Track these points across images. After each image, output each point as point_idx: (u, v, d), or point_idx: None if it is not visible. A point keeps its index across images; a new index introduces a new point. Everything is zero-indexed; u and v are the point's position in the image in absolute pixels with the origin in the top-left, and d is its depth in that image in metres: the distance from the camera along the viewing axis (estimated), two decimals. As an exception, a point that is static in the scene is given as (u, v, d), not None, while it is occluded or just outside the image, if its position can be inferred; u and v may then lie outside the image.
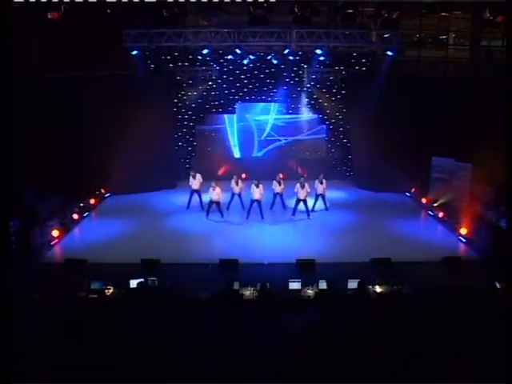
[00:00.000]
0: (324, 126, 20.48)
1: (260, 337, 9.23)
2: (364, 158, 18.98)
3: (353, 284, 9.80)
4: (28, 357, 6.53)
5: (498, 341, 6.72)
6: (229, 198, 16.29)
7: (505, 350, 5.86)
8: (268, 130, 20.37)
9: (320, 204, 16.27)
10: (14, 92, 12.19)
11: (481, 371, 5.80)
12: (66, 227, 14.69)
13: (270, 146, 20.47)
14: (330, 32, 16.36)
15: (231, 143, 20.30)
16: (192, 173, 16.30)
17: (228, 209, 16.27)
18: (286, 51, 17.21)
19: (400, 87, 17.04)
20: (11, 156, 8.19)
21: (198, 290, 10.08)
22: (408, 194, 18.42)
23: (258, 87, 19.65)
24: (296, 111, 20.29)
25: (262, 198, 15.59)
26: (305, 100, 20.10)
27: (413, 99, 16.77)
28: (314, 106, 20.22)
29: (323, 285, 9.69)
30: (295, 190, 15.56)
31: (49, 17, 13.14)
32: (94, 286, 10.06)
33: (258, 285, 9.87)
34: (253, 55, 18.08)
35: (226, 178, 16.78)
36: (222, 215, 15.60)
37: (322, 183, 15.99)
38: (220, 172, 19.34)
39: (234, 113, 20.06)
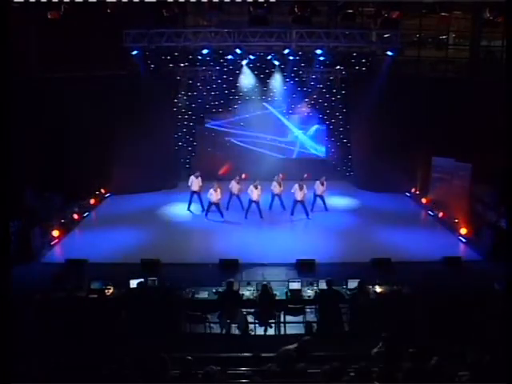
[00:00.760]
0: (324, 126, 20.47)
1: (259, 337, 9.26)
2: (364, 158, 18.97)
3: (353, 284, 9.79)
4: (28, 357, 6.53)
5: (497, 341, 6.72)
6: (228, 198, 16.29)
7: (505, 350, 5.85)
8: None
9: (320, 204, 16.24)
10: (14, 92, 12.20)
11: (481, 371, 5.79)
12: (66, 227, 14.69)
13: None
14: (330, 32, 16.36)
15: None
16: (192, 174, 16.28)
17: (227, 209, 16.28)
18: (286, 51, 17.21)
19: (400, 87, 17.03)
20: (11, 156, 8.17)
21: (197, 290, 10.08)
22: (408, 194, 18.41)
23: (257, 87, 19.63)
24: (296, 111, 20.27)
25: (260, 199, 15.60)
26: (305, 100, 20.08)
27: (413, 99, 16.77)
28: (314, 106, 20.20)
29: (323, 285, 9.68)
30: (292, 191, 15.56)
31: (49, 17, 13.14)
32: (94, 285, 10.05)
33: (258, 285, 9.87)
34: (253, 55, 18.08)
35: (227, 178, 16.75)
36: (222, 215, 15.60)
37: (322, 185, 15.99)
38: (220, 172, 19.32)
39: (234, 113, 20.05)
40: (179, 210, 16.65)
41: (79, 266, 11.88)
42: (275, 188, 16.00)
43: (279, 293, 9.89)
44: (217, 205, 15.50)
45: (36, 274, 11.49)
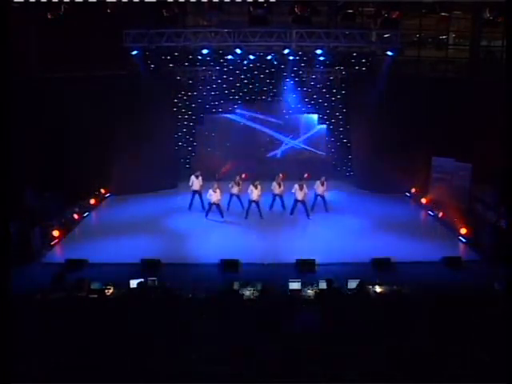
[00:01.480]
0: (324, 126, 20.47)
1: (260, 337, 9.25)
2: (364, 158, 18.97)
3: (353, 284, 9.79)
4: (28, 357, 6.53)
5: (497, 341, 6.72)
6: (228, 198, 16.29)
7: (505, 350, 5.86)
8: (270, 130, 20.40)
9: (320, 204, 16.24)
10: (14, 92, 12.21)
11: (481, 371, 5.80)
12: (66, 227, 14.68)
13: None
14: (330, 32, 16.36)
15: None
16: (193, 174, 16.27)
17: (228, 209, 16.28)
18: (286, 51, 17.21)
19: (400, 87, 17.03)
20: (11, 156, 8.19)
21: (198, 290, 10.07)
22: (408, 194, 18.41)
23: (257, 87, 19.65)
24: (296, 111, 20.28)
25: (260, 199, 15.59)
26: (305, 100, 20.08)
27: (413, 99, 16.77)
28: (314, 106, 20.21)
29: (323, 285, 9.69)
30: (293, 191, 15.55)
31: (49, 17, 13.14)
32: (94, 286, 10.06)
33: (258, 285, 9.87)
34: (253, 55, 18.08)
35: (227, 178, 16.74)
36: (222, 215, 15.61)
37: (322, 185, 15.97)
38: (220, 172, 19.30)
39: (234, 113, 20.06)
40: (179, 209, 16.64)
41: (79, 266, 11.89)
42: (275, 188, 16.00)
43: (279, 293, 9.88)
44: (217, 205, 15.51)
45: (36, 273, 11.49)
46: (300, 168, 17.69)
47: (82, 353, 6.86)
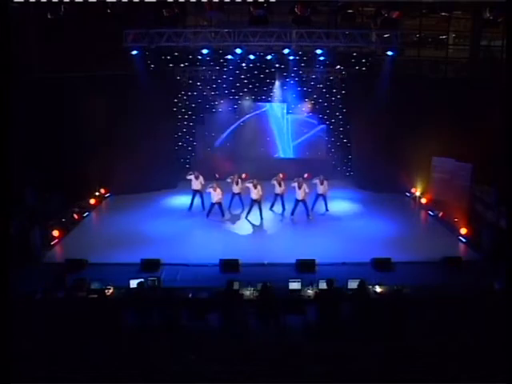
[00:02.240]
0: (324, 126, 20.48)
1: (260, 337, 9.25)
2: (364, 158, 18.96)
3: (353, 284, 9.79)
4: (28, 357, 6.53)
5: (497, 340, 6.73)
6: (229, 198, 16.28)
7: (505, 350, 5.86)
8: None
9: (320, 204, 16.23)
10: (13, 92, 12.22)
11: (481, 371, 5.80)
12: (66, 227, 14.68)
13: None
14: (330, 32, 16.36)
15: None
16: (193, 173, 16.27)
17: (229, 208, 16.28)
18: (286, 51, 17.21)
19: (400, 87, 17.03)
20: (11, 156, 8.19)
21: (198, 290, 10.08)
22: (408, 194, 18.41)
23: (258, 87, 19.65)
24: (296, 111, 20.28)
25: (262, 198, 15.59)
26: (305, 100, 20.08)
27: (413, 99, 16.77)
28: (313, 106, 20.21)
29: (323, 285, 9.68)
30: (293, 185, 15.52)
31: (49, 17, 13.13)
32: (94, 285, 10.06)
33: (258, 285, 9.87)
34: (253, 55, 18.08)
35: (226, 178, 16.73)
36: (223, 215, 15.60)
37: (322, 184, 15.96)
38: (220, 173, 19.29)
39: (234, 113, 20.05)
40: (179, 209, 16.64)
41: (79, 266, 11.89)
42: (276, 188, 15.99)
43: (279, 293, 9.89)
44: (219, 204, 15.48)
45: (36, 274, 11.48)
46: (300, 168, 17.68)
47: (82, 353, 6.87)
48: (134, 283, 9.73)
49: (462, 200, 16.07)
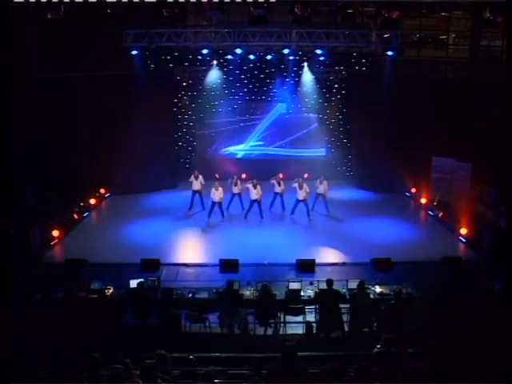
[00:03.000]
0: (324, 126, 20.46)
1: (260, 337, 9.25)
2: (364, 158, 18.97)
3: (353, 284, 9.79)
4: (28, 357, 6.53)
5: (497, 340, 6.72)
6: (229, 198, 16.29)
7: (505, 350, 5.86)
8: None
9: (320, 204, 16.22)
10: (13, 92, 12.21)
11: (481, 371, 5.79)
12: (66, 227, 14.68)
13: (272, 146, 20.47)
14: (330, 32, 16.37)
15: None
16: (193, 173, 16.26)
17: (228, 209, 16.29)
18: (286, 51, 17.21)
19: (400, 87, 17.03)
20: (11, 156, 8.17)
21: (198, 290, 10.08)
22: (408, 194, 18.41)
23: (258, 87, 19.64)
24: (296, 111, 20.28)
25: (261, 198, 15.59)
26: (305, 100, 20.08)
27: (413, 99, 16.78)
28: (313, 106, 20.21)
29: (323, 285, 9.68)
30: (293, 186, 15.52)
31: (49, 17, 13.12)
32: (94, 285, 10.05)
33: (258, 285, 9.87)
34: (253, 55, 18.08)
35: (227, 178, 16.74)
36: (223, 215, 15.60)
37: (321, 183, 15.95)
38: (220, 172, 19.30)
39: (233, 113, 20.05)
40: (179, 209, 16.64)
41: (79, 266, 11.87)
42: (275, 187, 15.99)
43: (279, 293, 9.89)
44: (219, 204, 15.46)
45: (36, 274, 11.48)
46: (300, 168, 17.68)
47: (82, 352, 6.86)
48: (133, 283, 9.72)
49: (461, 200, 16.08)
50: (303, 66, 19.07)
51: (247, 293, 9.98)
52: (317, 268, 11.93)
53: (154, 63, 17.74)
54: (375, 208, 16.91)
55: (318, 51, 17.20)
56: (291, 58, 18.04)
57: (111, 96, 16.38)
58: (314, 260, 12.11)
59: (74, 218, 15.43)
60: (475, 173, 16.07)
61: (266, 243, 13.86)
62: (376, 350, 6.70)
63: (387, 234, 14.50)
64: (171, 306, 9.53)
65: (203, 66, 19.02)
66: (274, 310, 9.51)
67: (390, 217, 15.99)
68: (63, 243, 13.96)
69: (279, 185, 15.95)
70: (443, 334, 8.13)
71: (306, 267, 11.83)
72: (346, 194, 18.59)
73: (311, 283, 10.31)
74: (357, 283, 9.58)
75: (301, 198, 15.49)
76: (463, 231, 14.12)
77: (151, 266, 11.82)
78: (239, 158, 20.21)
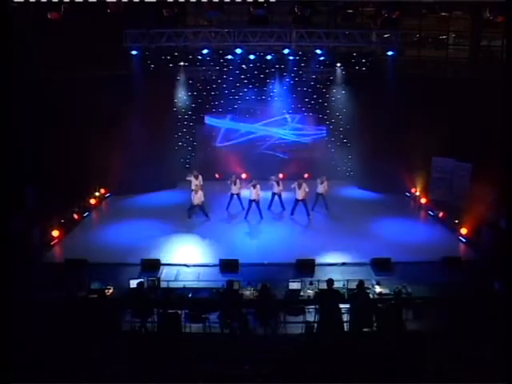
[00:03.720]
0: (324, 126, 20.48)
1: (260, 337, 9.25)
2: (364, 158, 18.98)
3: (353, 284, 9.79)
4: (28, 357, 6.53)
5: (497, 340, 6.72)
6: (229, 198, 16.30)
7: (505, 350, 5.86)
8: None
9: (321, 204, 16.22)
10: (13, 92, 12.21)
11: (481, 371, 5.80)
12: (66, 227, 14.68)
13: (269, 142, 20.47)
14: (330, 32, 16.38)
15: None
16: (193, 173, 16.23)
17: (227, 209, 16.30)
18: (286, 51, 17.21)
19: (400, 87, 17.04)
20: (12, 156, 8.19)
21: (198, 290, 10.08)
22: (408, 194, 18.41)
23: (258, 87, 19.64)
24: (296, 111, 20.28)
25: (260, 198, 15.59)
26: (305, 100, 20.08)
27: (413, 99, 16.78)
28: (313, 106, 20.21)
29: (323, 285, 9.68)
30: (292, 186, 15.53)
31: (49, 17, 13.12)
32: (94, 286, 10.06)
33: (258, 285, 9.87)
34: (253, 55, 18.08)
35: (227, 178, 16.73)
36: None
37: (322, 183, 15.96)
38: (220, 172, 19.31)
39: (233, 113, 20.05)
40: (179, 209, 16.63)
41: (79, 266, 11.89)
42: (274, 187, 15.99)
43: (279, 293, 9.89)
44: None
45: (36, 274, 11.48)
46: (300, 168, 17.69)
47: (82, 352, 6.87)
48: (133, 283, 9.72)
49: (461, 200, 16.08)
50: (303, 66, 19.08)
51: (247, 293, 9.98)
52: (317, 268, 11.94)
53: (153, 63, 17.74)
54: (375, 208, 16.91)
55: (318, 51, 17.20)
56: (291, 58, 18.03)
57: (111, 96, 16.34)
58: (313, 260, 12.12)
59: (73, 218, 15.43)
60: (475, 173, 16.06)
61: (266, 243, 13.86)
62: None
63: (387, 233, 14.50)
64: (171, 306, 9.53)
65: (203, 66, 19.03)
66: (274, 310, 9.51)
67: (390, 217, 16.00)
68: (63, 243, 13.95)
69: (278, 184, 15.95)
70: (443, 334, 8.14)
71: (306, 267, 11.84)
72: (345, 193, 18.60)
73: (311, 283, 10.32)
74: (357, 283, 9.58)
75: (300, 197, 15.49)
76: (463, 231, 14.13)
77: (151, 266, 11.83)
78: (239, 158, 20.16)
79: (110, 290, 10.11)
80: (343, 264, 12.26)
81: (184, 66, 18.71)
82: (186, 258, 12.74)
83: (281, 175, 16.20)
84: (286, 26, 15.78)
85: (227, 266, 11.91)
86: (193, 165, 19.32)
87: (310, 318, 9.60)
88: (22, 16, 14.61)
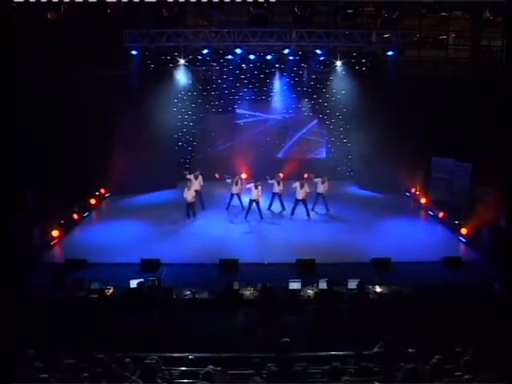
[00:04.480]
0: (323, 126, 20.47)
1: (260, 336, 9.25)
2: (364, 158, 18.96)
3: (353, 284, 9.79)
4: (28, 357, 6.53)
5: (497, 340, 6.72)
6: (229, 198, 16.29)
7: (505, 350, 5.85)
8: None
9: (321, 204, 16.21)
10: (13, 92, 12.21)
11: (480, 371, 5.79)
12: (66, 227, 14.69)
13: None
14: (330, 32, 16.39)
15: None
16: (194, 173, 16.22)
17: (227, 209, 16.30)
18: (286, 51, 17.21)
19: (400, 87, 17.03)
20: (12, 156, 8.18)
21: (198, 290, 10.08)
22: (408, 194, 18.41)
23: (258, 87, 19.64)
24: (296, 111, 20.28)
25: (261, 198, 15.58)
26: (305, 100, 20.08)
27: (413, 99, 16.77)
28: (314, 106, 20.21)
29: (323, 285, 9.69)
30: (293, 186, 15.51)
31: (49, 17, 13.13)
32: (94, 286, 10.06)
33: (258, 285, 9.87)
34: (253, 55, 18.07)
35: (227, 179, 16.73)
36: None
37: (323, 183, 15.94)
38: (220, 172, 19.28)
39: (234, 113, 20.05)
40: (179, 209, 16.62)
41: (79, 266, 11.89)
42: (274, 187, 15.98)
43: (279, 293, 9.89)
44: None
45: (36, 273, 11.49)
46: (300, 168, 17.66)
47: (82, 352, 6.86)
48: (133, 283, 9.73)
49: (461, 200, 16.08)
50: (303, 66, 19.08)
51: (247, 293, 9.98)
52: (317, 268, 11.94)
53: (153, 63, 17.74)
54: (375, 208, 16.90)
55: (318, 51, 17.19)
56: (291, 58, 18.02)
57: (111, 96, 16.35)
58: (313, 260, 12.12)
59: (73, 218, 15.43)
60: (475, 173, 16.06)
61: (266, 243, 13.86)
62: (376, 349, 6.70)
63: (387, 233, 14.50)
64: (171, 306, 9.53)
65: (203, 66, 19.02)
66: (274, 310, 9.52)
67: (390, 217, 15.99)
68: (63, 243, 13.96)
69: (278, 184, 15.94)
70: (443, 334, 8.13)
71: (306, 267, 11.83)
72: (345, 193, 18.59)
73: (311, 283, 10.31)
74: (357, 283, 9.58)
75: (300, 197, 15.48)
76: (463, 231, 14.13)
77: (151, 266, 11.83)
78: (239, 158, 20.14)
79: (110, 290, 10.11)
80: (343, 264, 12.26)
81: (184, 66, 18.71)
82: (186, 257, 12.74)
83: (281, 175, 16.18)
84: (286, 26, 15.79)
85: (227, 266, 11.91)
86: (193, 165, 19.31)
87: (310, 318, 9.60)
88: (22, 16, 14.62)
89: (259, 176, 16.30)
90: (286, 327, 9.48)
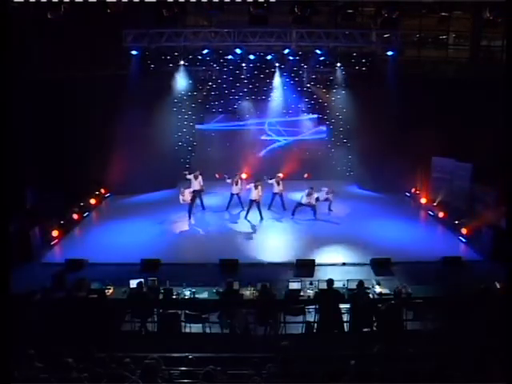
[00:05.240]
0: (324, 126, 20.47)
1: (260, 337, 9.25)
2: (364, 158, 18.97)
3: (353, 284, 9.80)
4: (28, 357, 6.53)
5: (497, 340, 6.72)
6: (229, 198, 16.28)
7: (505, 350, 5.86)
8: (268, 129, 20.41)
9: (323, 205, 16.18)
10: (13, 92, 12.22)
11: (481, 371, 5.80)
12: (66, 227, 14.69)
13: (271, 146, 20.46)
14: (330, 32, 16.38)
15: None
16: (194, 173, 16.23)
17: (227, 209, 16.30)
18: (286, 51, 17.20)
19: (400, 87, 17.03)
20: (12, 156, 8.18)
21: (198, 290, 10.07)
22: (408, 194, 18.41)
23: (257, 87, 19.64)
24: (296, 111, 20.28)
25: (261, 198, 15.58)
26: (305, 100, 20.08)
27: (413, 99, 16.77)
28: (313, 106, 20.21)
29: (323, 285, 9.68)
30: (301, 195, 15.47)
31: (49, 17, 13.12)
32: (94, 286, 10.06)
33: (258, 285, 9.87)
34: (253, 55, 18.08)
35: (226, 179, 16.73)
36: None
37: (329, 194, 15.91)
38: (220, 172, 19.28)
39: (233, 113, 20.04)
40: (179, 209, 16.63)
41: (79, 266, 11.90)
42: (274, 187, 15.99)
43: (279, 293, 9.89)
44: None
45: (36, 274, 11.49)
46: (300, 168, 17.67)
47: (82, 353, 6.87)
48: (133, 283, 9.73)
49: (462, 200, 16.08)
50: (303, 66, 19.07)
51: (247, 293, 9.97)
52: (317, 268, 11.94)
53: (153, 63, 17.74)
54: (375, 208, 16.91)
55: (318, 51, 17.19)
56: (291, 58, 18.02)
57: (111, 96, 16.37)
58: (313, 260, 12.12)
59: (73, 218, 15.43)
60: (475, 173, 16.06)
61: (266, 243, 13.86)
62: (376, 349, 6.70)
63: (387, 233, 14.49)
64: (171, 306, 9.53)
65: (203, 66, 19.03)
66: (274, 310, 9.51)
67: (390, 217, 16.00)
68: (63, 243, 13.97)
69: (278, 184, 15.94)
70: (443, 334, 8.13)
71: (306, 267, 11.84)
72: (345, 194, 18.58)
73: (311, 283, 10.31)
74: (357, 283, 9.58)
75: (304, 202, 15.41)
76: (463, 231, 14.13)
77: (151, 265, 11.84)
78: (239, 158, 20.15)
79: (110, 290, 10.10)
80: (343, 264, 12.26)
81: (184, 66, 18.71)
82: (186, 257, 12.74)
83: (281, 175, 16.19)
84: (285, 26, 15.77)
85: (227, 265, 11.91)
86: (193, 165, 19.31)
87: (310, 318, 9.60)
88: (22, 16, 14.61)
89: (260, 176, 16.30)
90: (286, 327, 9.51)
